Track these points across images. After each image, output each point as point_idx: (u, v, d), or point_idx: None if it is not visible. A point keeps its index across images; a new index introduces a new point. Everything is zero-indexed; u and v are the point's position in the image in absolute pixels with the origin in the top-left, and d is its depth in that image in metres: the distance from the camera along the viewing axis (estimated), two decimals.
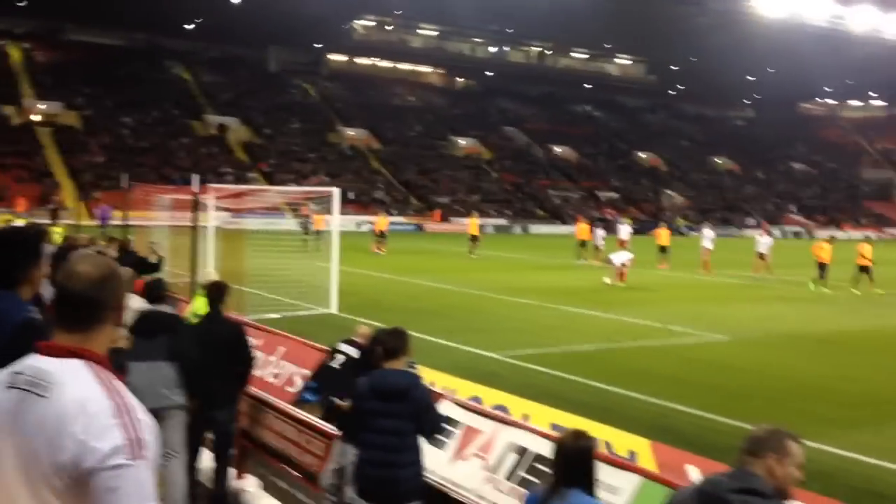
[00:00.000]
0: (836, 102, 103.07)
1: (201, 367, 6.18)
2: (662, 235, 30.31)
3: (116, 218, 26.12)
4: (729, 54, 72.14)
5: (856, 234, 72.04)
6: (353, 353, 7.33)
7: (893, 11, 71.04)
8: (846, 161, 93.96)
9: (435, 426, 5.03)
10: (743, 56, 72.08)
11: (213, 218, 15.92)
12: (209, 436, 6.52)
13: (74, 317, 2.02)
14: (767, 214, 74.19)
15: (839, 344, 14.64)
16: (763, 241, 27.78)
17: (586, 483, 3.81)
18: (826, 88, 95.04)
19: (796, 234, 70.64)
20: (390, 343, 5.06)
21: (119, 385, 1.97)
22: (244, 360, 6.45)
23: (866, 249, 23.78)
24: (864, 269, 23.63)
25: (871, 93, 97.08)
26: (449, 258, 31.49)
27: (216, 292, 6.52)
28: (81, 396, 1.89)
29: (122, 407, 1.90)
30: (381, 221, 33.92)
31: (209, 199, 15.62)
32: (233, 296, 6.99)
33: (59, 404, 1.89)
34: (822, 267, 23.75)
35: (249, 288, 15.43)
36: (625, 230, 30.32)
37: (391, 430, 4.83)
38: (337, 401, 6.35)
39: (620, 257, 23.39)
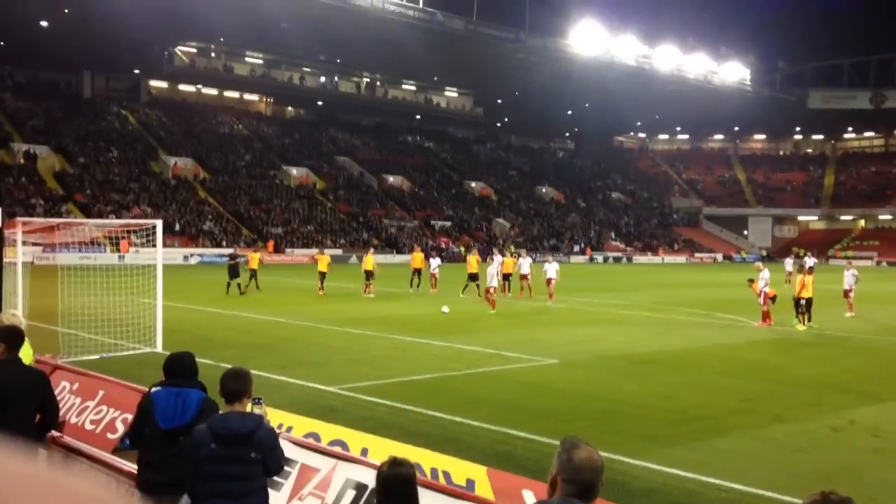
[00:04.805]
0: (646, 136, 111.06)
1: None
2: (508, 264, 30.89)
3: None
4: (549, 89, 76.13)
5: (670, 258, 77.48)
6: None
7: (692, 53, 79.59)
8: (657, 190, 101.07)
9: (280, 464, 4.91)
10: (562, 91, 76.19)
11: (21, 254, 14.72)
12: None
13: None
14: (590, 241, 78.24)
15: (657, 364, 15.49)
16: (524, 261, 30.03)
17: None
18: (638, 123, 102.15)
19: (616, 260, 74.85)
20: (231, 385, 4.75)
21: None
22: (50, 410, 5.85)
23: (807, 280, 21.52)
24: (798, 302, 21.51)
25: (677, 127, 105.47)
26: (283, 290, 30.85)
27: (14, 338, 5.86)
28: None
29: None
30: (368, 260, 30.51)
31: (17, 234, 14.46)
32: (44, 337, 6.44)
33: None
34: (807, 304, 21.41)
35: (65, 328, 14.37)
36: (526, 263, 30.29)
37: (237, 475, 4.58)
38: None
39: (492, 271, 25.47)
